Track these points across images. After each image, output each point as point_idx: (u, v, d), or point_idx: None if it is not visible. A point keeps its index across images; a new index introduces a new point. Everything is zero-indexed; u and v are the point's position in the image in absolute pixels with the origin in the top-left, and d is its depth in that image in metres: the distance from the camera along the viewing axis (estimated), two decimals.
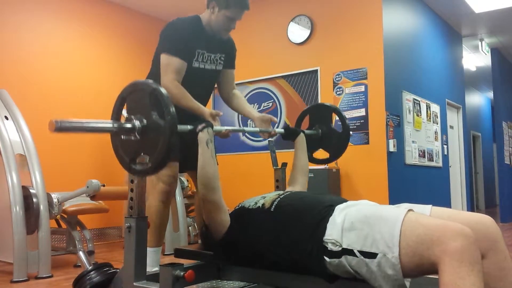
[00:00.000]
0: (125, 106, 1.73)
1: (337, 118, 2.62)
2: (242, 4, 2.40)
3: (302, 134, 2.41)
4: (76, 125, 1.52)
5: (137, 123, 1.60)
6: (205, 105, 2.51)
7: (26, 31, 4.82)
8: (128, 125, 1.61)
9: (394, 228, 1.32)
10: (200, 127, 1.82)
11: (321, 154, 2.59)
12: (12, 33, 4.69)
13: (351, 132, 2.61)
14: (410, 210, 1.40)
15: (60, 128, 1.43)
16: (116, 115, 1.71)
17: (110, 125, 1.62)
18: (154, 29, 6.15)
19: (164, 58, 2.36)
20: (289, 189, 2.24)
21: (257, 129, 2.41)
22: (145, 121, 1.60)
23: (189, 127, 1.82)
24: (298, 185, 2.26)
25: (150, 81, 1.65)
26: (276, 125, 5.46)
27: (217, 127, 2.07)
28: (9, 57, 4.65)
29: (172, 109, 1.55)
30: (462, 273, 1.17)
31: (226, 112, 5.73)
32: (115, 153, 1.71)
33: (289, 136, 2.42)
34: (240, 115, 5.59)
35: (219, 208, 1.73)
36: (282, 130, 2.42)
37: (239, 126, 5.72)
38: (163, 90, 1.59)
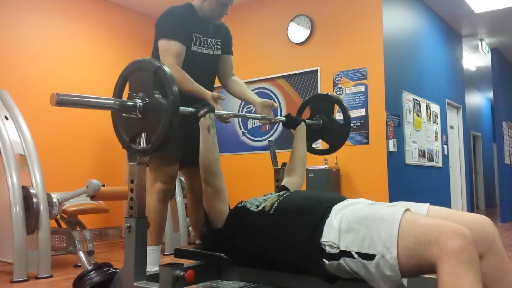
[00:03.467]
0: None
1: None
2: None
3: (303, 123, 2.38)
4: (77, 100, 1.52)
5: (138, 101, 1.59)
6: None
7: (26, 31, 4.82)
8: (130, 103, 1.60)
9: (392, 228, 1.31)
10: (202, 112, 1.81)
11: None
12: (12, 33, 4.69)
13: (352, 125, 2.57)
14: (407, 209, 1.39)
15: (61, 102, 1.43)
16: (117, 93, 1.69)
17: (111, 102, 1.61)
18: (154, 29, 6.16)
19: (162, 43, 2.36)
20: (286, 179, 2.22)
21: (258, 115, 2.37)
22: (147, 99, 1.59)
23: (190, 109, 1.81)
24: (296, 176, 2.24)
25: (154, 59, 1.64)
26: (276, 125, 5.47)
27: (219, 111, 2.05)
28: (9, 57, 4.65)
29: (175, 89, 1.54)
30: (460, 273, 1.17)
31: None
32: (115, 131, 1.70)
33: (290, 125, 2.39)
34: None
35: (219, 195, 1.75)
36: (283, 118, 2.38)
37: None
38: (166, 69, 1.58)
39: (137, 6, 5.90)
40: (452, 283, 1.17)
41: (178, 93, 1.54)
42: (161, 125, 1.54)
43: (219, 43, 2.57)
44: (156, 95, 1.57)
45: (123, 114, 1.63)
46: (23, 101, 4.22)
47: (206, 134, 1.78)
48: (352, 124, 4.89)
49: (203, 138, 1.78)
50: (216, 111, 1.94)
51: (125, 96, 1.69)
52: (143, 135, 1.66)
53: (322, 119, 2.52)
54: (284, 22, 5.49)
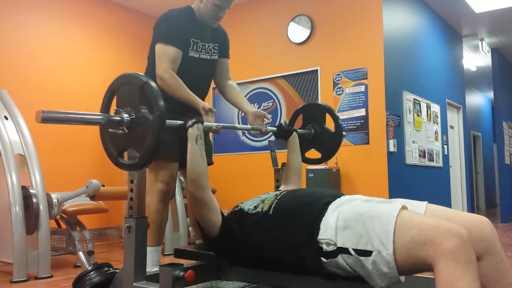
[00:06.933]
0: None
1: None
2: None
3: (295, 133, 2.37)
4: (62, 116, 1.51)
5: (125, 116, 1.59)
6: (203, 98, 2.49)
7: (26, 31, 4.81)
8: (116, 118, 1.60)
9: (388, 225, 1.32)
10: (190, 122, 1.78)
11: (313, 154, 2.56)
12: (12, 33, 4.69)
13: (344, 133, 2.57)
14: (404, 207, 1.40)
15: (46, 118, 1.42)
16: (105, 108, 1.68)
17: (98, 117, 1.61)
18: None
19: (159, 47, 2.36)
20: (283, 187, 2.23)
21: (249, 126, 2.37)
22: (133, 114, 1.59)
23: (179, 122, 1.79)
24: (292, 184, 2.25)
25: (141, 74, 1.63)
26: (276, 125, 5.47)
27: (208, 123, 2.03)
28: (9, 57, 4.65)
29: (161, 103, 1.53)
30: (457, 273, 1.17)
31: (225, 107, 5.73)
32: (103, 146, 1.70)
33: (281, 135, 2.38)
34: (240, 113, 5.57)
35: (208, 207, 1.72)
36: (275, 129, 2.37)
37: (239, 124, 5.70)
38: (153, 84, 1.57)
39: (137, 6, 5.90)
40: (450, 283, 1.17)
41: (164, 108, 1.53)
42: (148, 140, 1.53)
43: (216, 47, 2.56)
44: (143, 110, 1.57)
45: (110, 130, 1.63)
46: (23, 101, 4.21)
47: (194, 144, 1.75)
48: (352, 124, 4.91)
49: (190, 149, 1.75)
50: (205, 123, 1.90)
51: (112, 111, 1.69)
52: (131, 150, 1.65)
53: (314, 128, 2.52)
54: (284, 22, 5.49)
